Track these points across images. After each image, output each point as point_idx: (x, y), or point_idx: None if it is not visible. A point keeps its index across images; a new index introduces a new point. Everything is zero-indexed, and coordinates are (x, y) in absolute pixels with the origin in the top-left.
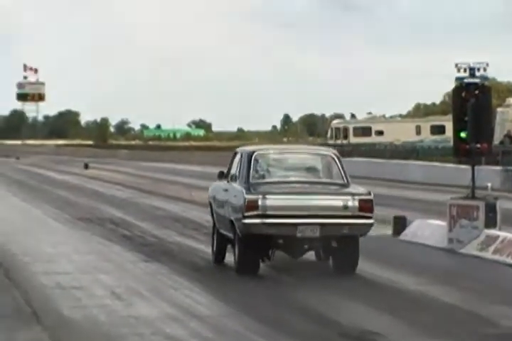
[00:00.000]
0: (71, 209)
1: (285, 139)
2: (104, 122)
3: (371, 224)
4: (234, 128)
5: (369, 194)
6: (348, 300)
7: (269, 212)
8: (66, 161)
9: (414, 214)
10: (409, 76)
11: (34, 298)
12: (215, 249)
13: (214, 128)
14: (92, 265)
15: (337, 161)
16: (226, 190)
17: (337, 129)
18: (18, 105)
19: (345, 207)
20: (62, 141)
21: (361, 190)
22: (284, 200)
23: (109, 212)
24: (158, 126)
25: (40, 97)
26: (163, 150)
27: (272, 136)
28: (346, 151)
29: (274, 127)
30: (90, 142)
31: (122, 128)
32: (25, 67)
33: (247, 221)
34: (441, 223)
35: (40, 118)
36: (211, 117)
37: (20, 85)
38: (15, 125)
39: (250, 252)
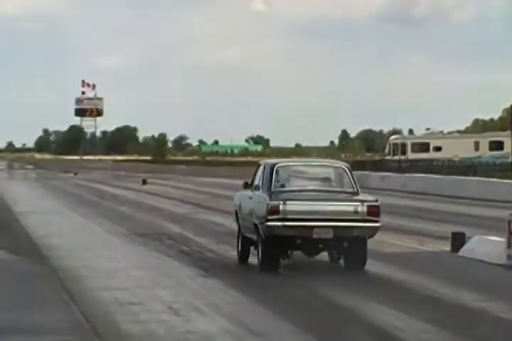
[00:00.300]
0: (129, 224)
1: (343, 155)
2: (162, 138)
3: (378, 227)
4: (292, 144)
5: (376, 201)
6: (407, 315)
7: (289, 216)
8: (124, 177)
9: (472, 230)
10: (467, 90)
11: (93, 313)
12: (240, 250)
13: (272, 144)
14: (150, 280)
15: (348, 172)
16: (251, 198)
17: (395, 145)
18: (77, 121)
19: (356, 212)
20: (120, 157)
21: (369, 197)
22: (302, 206)
23: (167, 228)
24: (216, 142)
25: (98, 113)
26: (220, 166)
27: (329, 152)
28: (404, 167)
29: (332, 143)
30: (148, 157)
31: (180, 144)
32: (83, 83)
33: (269, 223)
34: (500, 239)
35: (98, 133)
36: (269, 133)
37: (78, 101)
38: (73, 140)
39: (272, 252)
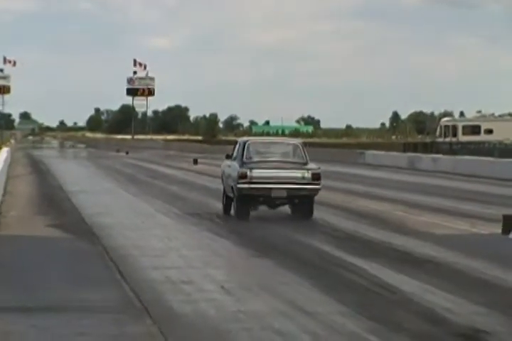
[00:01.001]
0: (180, 203)
1: (394, 137)
2: (213, 118)
3: (319, 189)
4: (343, 125)
5: (318, 169)
6: (457, 297)
7: (254, 180)
8: (175, 156)
9: None
10: None
11: (144, 292)
12: (224, 204)
13: (322, 125)
14: (201, 260)
15: (301, 148)
16: (229, 166)
17: (446, 127)
18: (128, 100)
19: (303, 177)
20: (171, 136)
21: (314, 166)
22: (264, 173)
23: (218, 207)
24: (267, 122)
25: (150, 92)
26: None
27: (380, 134)
28: (455, 149)
29: (383, 124)
30: (199, 138)
31: (231, 124)
32: (134, 62)
33: (240, 185)
34: None
35: (150, 113)
36: (320, 114)
37: (130, 80)
38: (125, 120)
39: (242, 206)
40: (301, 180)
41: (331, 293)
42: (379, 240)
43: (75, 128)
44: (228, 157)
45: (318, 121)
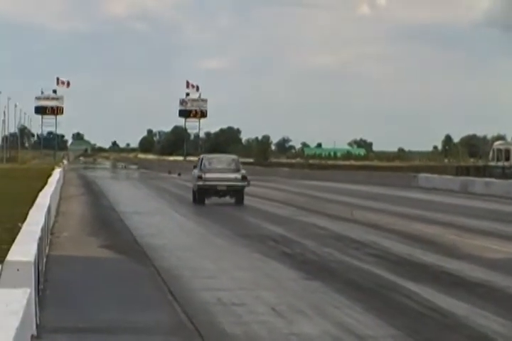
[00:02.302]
0: (232, 225)
1: (446, 160)
2: (266, 140)
3: (245, 185)
4: (395, 148)
5: (245, 173)
6: (510, 321)
7: (206, 180)
8: None
9: None
10: None
11: (195, 314)
12: (193, 198)
13: (375, 148)
14: (252, 281)
15: (237, 160)
16: (194, 172)
17: (499, 151)
18: (181, 121)
19: (236, 178)
20: None
21: (243, 171)
22: (212, 175)
23: (270, 229)
24: (319, 145)
25: (202, 114)
26: (323, 169)
27: (432, 157)
28: (508, 173)
29: (435, 148)
30: (251, 160)
31: (283, 146)
32: (187, 84)
33: (197, 183)
34: None
35: (202, 134)
36: (373, 137)
37: (182, 102)
38: (177, 141)
39: (200, 196)
40: (235, 180)
41: (383, 317)
42: (431, 264)
43: (128, 149)
44: (194, 167)
45: (371, 144)
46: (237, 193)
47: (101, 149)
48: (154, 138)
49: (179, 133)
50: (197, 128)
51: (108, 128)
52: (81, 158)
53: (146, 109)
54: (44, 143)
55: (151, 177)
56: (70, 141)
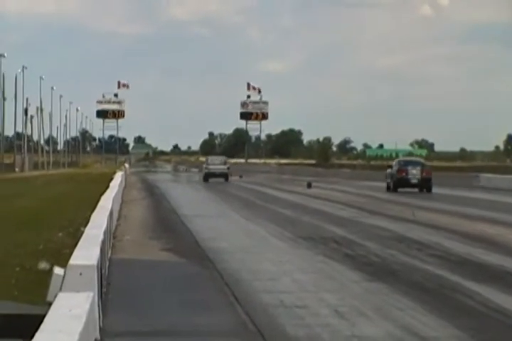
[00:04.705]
0: (293, 227)
1: (508, 160)
2: (327, 141)
3: (229, 171)
4: (456, 149)
5: (229, 165)
6: None
7: (210, 169)
8: (288, 180)
9: None
10: None
11: (258, 316)
12: (203, 179)
13: (436, 148)
14: (314, 284)
15: (226, 159)
16: (203, 165)
17: None
18: (242, 124)
19: (224, 168)
20: (284, 160)
21: (228, 165)
22: (212, 166)
23: (332, 231)
24: (381, 146)
25: (264, 116)
26: (385, 170)
27: (494, 157)
28: None
29: (497, 147)
30: (312, 161)
31: (344, 148)
32: (248, 86)
33: (205, 170)
34: None
35: (263, 137)
36: (434, 137)
37: (243, 104)
38: (238, 143)
39: (205, 177)
40: (224, 169)
41: (446, 318)
42: (494, 264)
43: (189, 152)
44: (203, 163)
45: (432, 145)
46: (224, 176)
47: (162, 152)
48: (215, 141)
49: (240, 135)
50: (258, 130)
51: (169, 132)
52: (143, 162)
53: (207, 111)
54: (105, 147)
55: (212, 180)
56: (131, 145)
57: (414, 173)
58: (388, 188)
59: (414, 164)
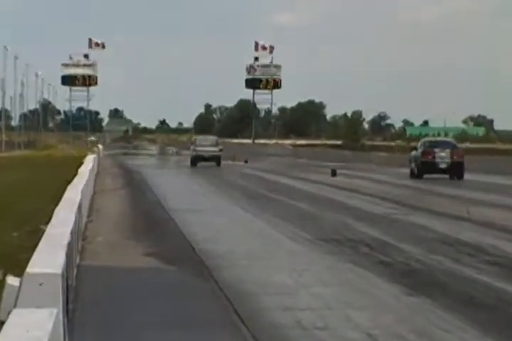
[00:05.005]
0: (313, 226)
1: None
2: (357, 117)
3: (221, 154)
4: None
5: (221, 147)
6: None
7: (198, 151)
8: (307, 166)
9: None
10: None
11: (268, 340)
12: (191, 163)
13: (496, 127)
14: (340, 299)
15: (217, 140)
16: (191, 146)
17: None
18: (248, 94)
19: (216, 150)
20: (302, 141)
21: (220, 146)
22: (202, 148)
23: (362, 231)
24: (426, 123)
25: (275, 84)
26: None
27: None
28: None
29: None
30: (338, 142)
31: (379, 125)
32: (256, 46)
33: (192, 153)
34: None
35: (275, 110)
36: (494, 113)
37: (250, 69)
38: (243, 119)
39: (194, 161)
40: (215, 151)
41: None
42: None
43: (180, 130)
44: (191, 144)
45: (491, 122)
46: (216, 159)
47: (146, 130)
48: (214, 116)
49: (246, 109)
50: (268, 102)
51: (155, 104)
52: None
53: (204, 78)
54: (73, 123)
55: (210, 165)
56: (106, 120)
57: (443, 156)
58: (412, 174)
59: (443, 145)
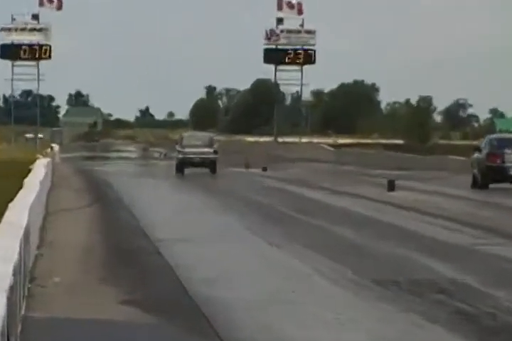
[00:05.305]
0: (359, 261)
1: None
2: (425, 105)
3: (216, 158)
4: None
5: (216, 148)
6: None
7: (185, 153)
8: (351, 175)
9: None
10: None
11: None
12: (176, 170)
13: None
14: None
15: (210, 138)
16: (176, 146)
17: None
18: (268, 71)
19: (209, 152)
20: (345, 139)
21: (215, 147)
22: (189, 149)
23: (432, 269)
24: None
25: (307, 57)
26: None
27: None
28: None
29: None
30: (398, 141)
31: (455, 116)
32: (280, 3)
33: (178, 156)
34: None
35: (306, 94)
36: None
37: (271, 35)
38: (260, 107)
39: (179, 167)
40: (208, 153)
41: None
42: None
43: (170, 124)
44: (176, 143)
45: None
46: (209, 164)
47: (121, 123)
48: (219, 103)
49: (264, 93)
50: (297, 83)
51: (134, 87)
52: (88, 142)
53: (205, 50)
54: (16, 113)
55: (214, 175)
56: (64, 109)
57: None
58: (474, 183)
59: None
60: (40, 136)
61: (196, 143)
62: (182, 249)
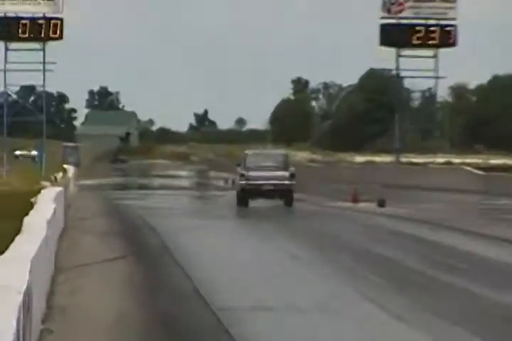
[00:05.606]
0: None
1: None
2: None
3: (293, 184)
4: None
5: (293, 171)
6: None
7: (250, 178)
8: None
9: None
10: None
11: None
12: (238, 200)
13: None
14: None
15: (284, 157)
16: (238, 169)
17: None
18: (386, 58)
19: (284, 176)
20: (501, 159)
21: (292, 169)
22: (256, 174)
23: None
24: None
25: (445, 37)
26: None
27: None
28: None
29: None
30: None
31: None
32: None
33: (241, 182)
34: None
35: (444, 93)
36: None
37: (390, 4)
38: (376, 110)
39: (242, 197)
40: (283, 179)
41: None
42: None
43: (241, 135)
44: (238, 165)
45: None
46: (286, 193)
47: (168, 135)
48: (313, 105)
49: (381, 89)
50: (430, 75)
51: (186, 83)
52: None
53: (292, 31)
54: (14, 118)
55: (304, 209)
56: (82, 114)
57: None
58: None
59: None
60: (33, 153)
61: (265, 164)
62: (257, 324)
